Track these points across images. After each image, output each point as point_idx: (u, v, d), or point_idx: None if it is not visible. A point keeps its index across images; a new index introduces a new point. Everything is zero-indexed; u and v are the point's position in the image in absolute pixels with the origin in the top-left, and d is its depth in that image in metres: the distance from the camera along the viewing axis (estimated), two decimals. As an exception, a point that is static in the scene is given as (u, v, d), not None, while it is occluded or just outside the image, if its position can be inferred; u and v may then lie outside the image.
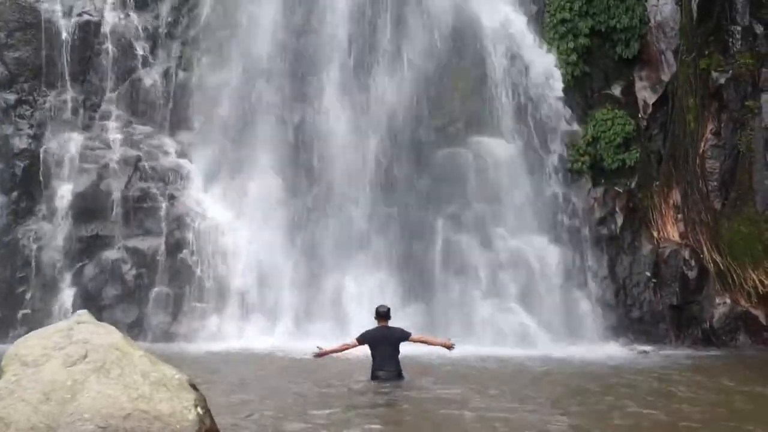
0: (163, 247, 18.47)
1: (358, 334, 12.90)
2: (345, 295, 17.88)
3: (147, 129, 19.43)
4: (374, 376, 12.45)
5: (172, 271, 18.34)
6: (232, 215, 18.80)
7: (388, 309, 12.86)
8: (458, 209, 18.52)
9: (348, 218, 18.56)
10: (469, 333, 16.80)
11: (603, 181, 19.06)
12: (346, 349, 12.73)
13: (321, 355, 12.66)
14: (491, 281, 17.98)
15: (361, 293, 17.67)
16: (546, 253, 18.32)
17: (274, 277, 18.32)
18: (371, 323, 13.02)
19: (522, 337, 17.17)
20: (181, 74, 19.74)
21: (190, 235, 18.56)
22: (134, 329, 17.01)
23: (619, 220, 18.80)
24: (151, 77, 19.67)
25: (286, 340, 17.23)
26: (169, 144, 19.42)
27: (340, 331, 16.69)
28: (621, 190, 19.00)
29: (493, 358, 15.19)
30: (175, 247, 18.47)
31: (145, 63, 19.78)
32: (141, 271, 18.31)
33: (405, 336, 12.51)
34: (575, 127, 19.22)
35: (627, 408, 11.07)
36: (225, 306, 18.13)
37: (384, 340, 12.45)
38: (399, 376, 12.39)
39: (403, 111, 19.04)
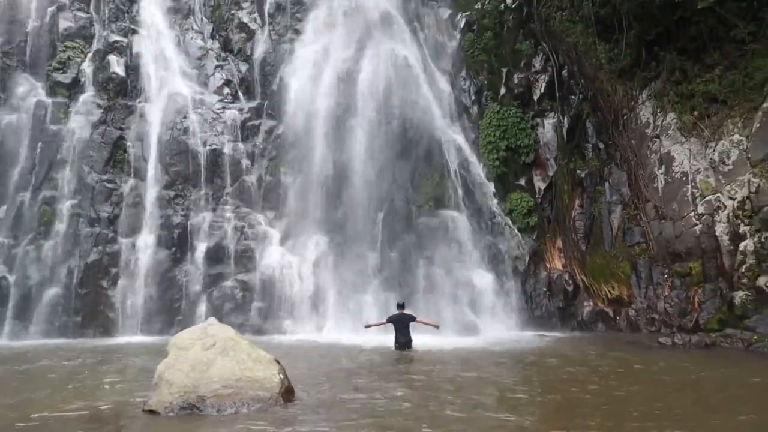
0: (258, 280, 18.12)
1: (386, 318, 13.83)
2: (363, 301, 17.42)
3: (248, 210, 19.20)
4: (396, 343, 13.37)
5: (263, 293, 17.98)
6: (298, 260, 18.35)
7: (403, 302, 14.14)
8: (433, 252, 18.02)
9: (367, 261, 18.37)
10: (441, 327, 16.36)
11: (517, 235, 18.83)
12: (382, 324, 13.73)
13: (368, 326, 13.76)
14: (453, 296, 17.74)
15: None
16: (485, 279, 18.14)
17: (323, 298, 17.79)
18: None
19: (472, 328, 17.00)
20: (268, 178, 19.58)
21: (273, 272, 18.29)
22: (240, 327, 16.13)
23: (527, 258, 18.44)
24: (251, 179, 19.51)
25: (331, 334, 16.80)
26: (260, 218, 19.09)
27: (362, 327, 16.22)
28: (527, 240, 18.70)
29: (456, 342, 14.84)
30: (266, 279, 18.12)
31: (248, 171, 19.61)
32: (245, 294, 17.97)
33: (413, 318, 13.66)
34: (500, 203, 19.15)
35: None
36: (294, 313, 17.95)
37: (401, 321, 13.55)
38: (410, 341, 13.29)
39: (399, 195, 19.03)
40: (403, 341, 13.26)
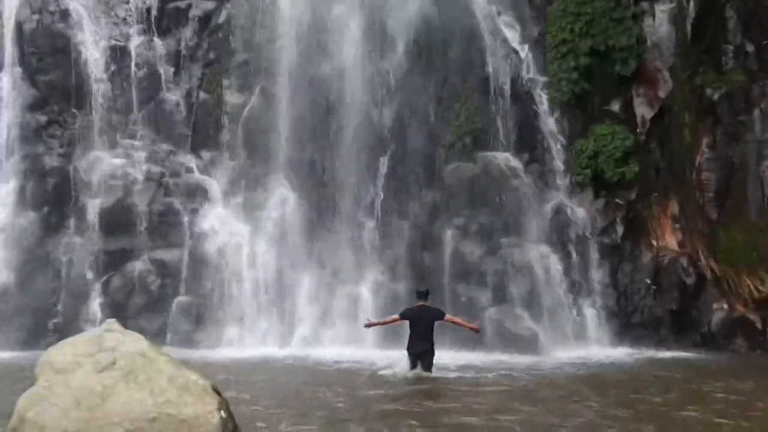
0: (186, 258, 18.49)
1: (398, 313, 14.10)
2: (357, 304, 17.94)
3: (170, 148, 19.55)
4: (409, 350, 13.53)
5: (194, 281, 18.36)
6: (250, 228, 18.80)
7: (427, 290, 14.15)
8: (467, 220, 18.53)
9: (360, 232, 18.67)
10: (477, 338, 16.58)
11: (604, 193, 19.00)
12: (391, 322, 14.12)
13: (369, 325, 14.22)
14: (498, 288, 17.90)
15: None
16: (550, 262, 18.28)
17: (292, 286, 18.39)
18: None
19: (529, 342, 17.09)
20: (202, 95, 19.87)
21: (211, 248, 18.54)
22: (159, 336, 16.92)
23: (620, 230, 18.74)
24: (174, 98, 19.81)
25: (303, 347, 17.32)
26: (192, 161, 19.53)
27: (353, 336, 16.98)
28: (621, 202, 18.90)
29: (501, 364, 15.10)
30: (198, 259, 18.46)
31: (169, 85, 19.90)
32: (165, 281, 18.36)
33: (440, 315, 13.68)
34: (577, 142, 19.18)
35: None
36: (245, 315, 18.17)
37: (421, 318, 13.54)
38: (431, 351, 13.47)
39: (415, 128, 19.21)
40: (420, 350, 13.49)
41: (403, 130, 19.20)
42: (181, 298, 18.21)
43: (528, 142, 19.31)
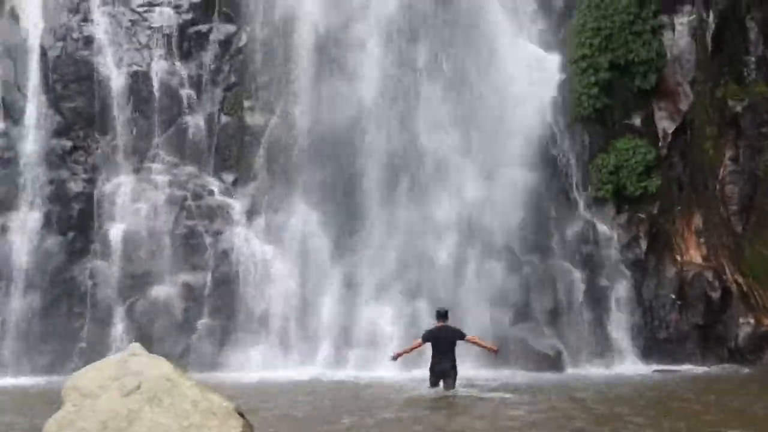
0: (209, 281, 18.45)
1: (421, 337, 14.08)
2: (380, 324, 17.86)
3: (192, 170, 19.53)
4: (432, 370, 13.71)
5: (218, 303, 18.32)
6: (273, 249, 18.77)
7: (446, 310, 14.16)
8: (489, 237, 18.44)
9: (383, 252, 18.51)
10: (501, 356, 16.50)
11: (626, 207, 18.98)
12: (415, 348, 14.11)
13: (396, 356, 14.22)
14: (522, 305, 17.85)
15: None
16: (573, 279, 18.25)
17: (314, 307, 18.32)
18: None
19: (553, 360, 17.07)
20: (223, 118, 19.87)
21: (234, 270, 18.53)
22: (183, 359, 16.88)
23: (644, 245, 18.69)
24: (196, 122, 19.80)
25: (326, 368, 17.26)
26: (214, 184, 19.51)
27: (375, 355, 16.94)
28: (644, 216, 18.87)
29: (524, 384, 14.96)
30: (221, 281, 18.45)
31: (191, 108, 19.87)
32: (189, 304, 18.29)
33: (460, 335, 13.76)
34: (598, 157, 19.14)
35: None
36: (268, 336, 18.11)
37: (442, 338, 13.67)
38: (453, 368, 13.61)
39: (435, 146, 19.05)
40: (442, 368, 13.64)
41: (424, 148, 19.09)
42: (205, 321, 18.18)
43: (549, 157, 19.18)
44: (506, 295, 17.94)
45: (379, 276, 18.29)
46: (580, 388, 14.52)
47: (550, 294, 18.04)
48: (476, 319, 17.33)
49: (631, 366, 17.31)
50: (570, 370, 16.84)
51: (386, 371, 16.22)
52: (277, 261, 18.66)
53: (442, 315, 14.12)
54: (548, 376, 15.85)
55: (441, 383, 13.66)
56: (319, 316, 18.20)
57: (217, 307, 18.28)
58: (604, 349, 17.70)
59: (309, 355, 17.83)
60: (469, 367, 15.49)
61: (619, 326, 18.03)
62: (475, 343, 14.16)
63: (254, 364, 17.59)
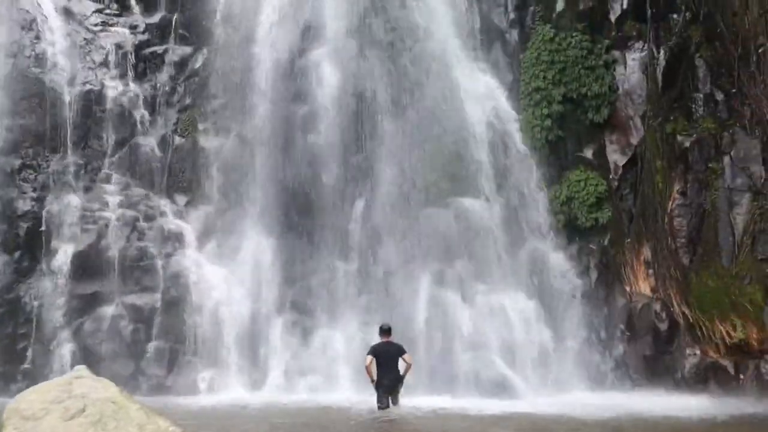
0: (159, 303, 18.35)
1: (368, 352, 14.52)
2: (334, 349, 17.87)
3: (144, 192, 19.52)
4: (380, 384, 14.22)
5: (167, 326, 18.21)
6: (226, 272, 18.75)
7: (390, 326, 14.85)
8: (443, 265, 18.44)
9: (335, 276, 18.60)
10: (451, 384, 16.82)
11: (578, 238, 19.06)
12: (371, 368, 14.34)
13: (372, 381, 14.42)
14: (475, 334, 17.80)
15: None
16: (526, 308, 18.25)
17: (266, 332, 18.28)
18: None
19: (505, 387, 16.99)
20: (177, 139, 19.89)
21: (185, 293, 18.44)
22: (130, 383, 16.80)
23: (594, 276, 18.78)
24: (149, 143, 19.84)
25: (277, 392, 17.17)
26: (166, 205, 19.46)
27: (329, 384, 17.03)
28: (594, 247, 18.99)
29: (477, 410, 14.98)
30: (171, 303, 18.35)
31: (145, 129, 19.91)
32: (138, 326, 18.17)
33: (402, 351, 14.41)
34: (551, 188, 19.28)
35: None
36: (218, 360, 18.01)
37: (387, 352, 14.33)
38: (399, 381, 14.34)
39: (392, 171, 19.18)
40: (389, 383, 14.23)
41: (380, 174, 19.20)
42: (154, 344, 18.09)
43: (504, 187, 19.29)
44: (455, 322, 17.89)
45: (332, 301, 18.33)
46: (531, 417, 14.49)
47: (502, 323, 17.95)
48: (428, 347, 17.45)
49: (582, 394, 17.27)
50: (521, 398, 16.70)
51: (339, 395, 16.35)
52: (229, 284, 18.61)
53: (385, 331, 14.76)
54: (499, 403, 15.76)
55: (389, 398, 14.07)
56: (271, 340, 18.16)
57: (167, 330, 18.21)
58: (556, 377, 17.66)
59: (260, 380, 17.78)
60: (418, 394, 15.57)
61: (569, 354, 18.03)
62: (406, 364, 14.47)
63: (204, 388, 17.60)
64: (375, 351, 14.49)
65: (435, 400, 15.59)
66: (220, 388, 17.52)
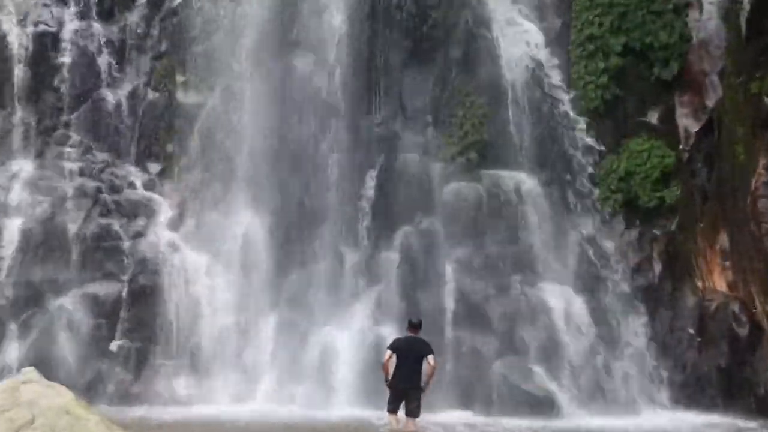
0: (125, 294, 18.34)
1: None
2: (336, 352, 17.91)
3: (107, 155, 19.47)
4: (394, 387, 13.88)
5: (135, 322, 18.22)
6: (207, 258, 18.72)
7: (420, 320, 14.45)
8: (471, 252, 18.64)
9: (341, 263, 18.64)
10: (483, 397, 17.01)
11: (638, 222, 19.24)
12: (389, 363, 14.01)
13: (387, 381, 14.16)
14: (508, 338, 17.97)
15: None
16: (571, 304, 18.40)
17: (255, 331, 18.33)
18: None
19: (544, 404, 17.11)
20: (150, 94, 19.85)
21: (157, 281, 18.46)
22: (90, 390, 16.96)
23: (658, 268, 18.98)
24: (116, 97, 19.77)
25: (268, 405, 17.27)
26: (136, 174, 19.46)
27: (327, 393, 17.09)
28: (659, 233, 19.16)
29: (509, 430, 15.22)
30: (140, 294, 18.34)
31: (111, 81, 19.88)
32: (99, 322, 18.15)
33: (428, 350, 13.86)
34: (606, 159, 19.41)
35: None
36: (197, 364, 18.06)
37: (410, 350, 13.96)
38: (419, 389, 13.84)
39: (407, 140, 19.39)
40: (406, 386, 13.95)
41: (395, 142, 19.37)
42: (119, 343, 18.11)
43: (547, 158, 19.46)
44: (489, 323, 18.06)
45: (336, 295, 18.38)
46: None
47: (544, 323, 18.10)
48: (451, 347, 17.58)
49: (640, 415, 17.39)
50: (565, 417, 16.89)
51: (339, 410, 16.48)
52: (212, 273, 18.68)
53: (414, 325, 14.41)
54: (538, 424, 15.98)
55: (402, 409, 13.87)
56: (262, 341, 18.25)
57: (135, 327, 18.26)
58: (608, 392, 17.71)
59: (247, 389, 17.87)
60: (441, 408, 15.79)
61: (627, 365, 18.16)
62: (429, 368, 14.16)
63: (179, 398, 17.67)
64: (396, 345, 14.27)
65: (459, 415, 15.87)
66: (199, 399, 17.62)
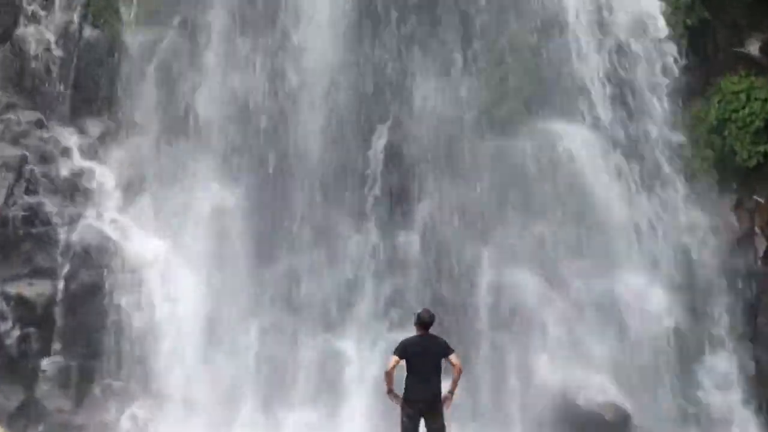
0: (61, 296, 17.91)
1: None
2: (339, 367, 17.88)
3: (34, 114, 18.96)
4: (410, 401, 13.88)
5: (74, 332, 17.86)
6: (167, 245, 18.39)
7: (432, 315, 14.48)
8: (516, 230, 18.32)
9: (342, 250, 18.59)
10: (530, 418, 16.86)
11: (735, 185, 18.95)
12: (393, 371, 14.15)
13: (391, 391, 14.21)
14: (564, 340, 17.73)
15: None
16: (648, 299, 18.04)
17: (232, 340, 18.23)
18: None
19: (612, 424, 17.01)
20: (87, 31, 19.39)
21: (102, 278, 18.09)
22: (18, 420, 16.99)
23: (762, 246, 18.60)
24: (41, 35, 19.44)
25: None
26: (71, 138, 18.99)
27: (328, 421, 16.95)
28: (762, 200, 18.83)
29: None
30: (80, 295, 17.98)
31: (34, 17, 19.51)
32: (27, 332, 17.75)
33: (447, 350, 14.07)
34: (692, 104, 19.11)
35: None
36: (156, 385, 17.76)
37: (424, 354, 14.04)
38: (439, 398, 13.99)
39: (429, 85, 19.15)
40: (425, 396, 14.02)
41: (410, 89, 19.02)
42: (55, 360, 17.75)
43: (614, 106, 19.09)
44: (538, 323, 17.89)
45: (338, 291, 18.16)
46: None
47: (612, 321, 17.85)
48: (489, 357, 17.48)
49: None
50: None
51: None
52: (172, 264, 18.44)
53: (424, 322, 14.41)
54: None
55: (422, 422, 13.97)
56: (240, 354, 18.00)
57: (74, 338, 17.94)
58: (699, 410, 17.62)
59: (222, 417, 17.63)
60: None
61: (721, 376, 17.91)
62: (454, 370, 14.38)
63: (133, 429, 17.46)
64: (404, 349, 14.22)
65: None
66: (163, 429, 17.46)
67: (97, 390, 17.71)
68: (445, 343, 14.43)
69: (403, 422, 14.11)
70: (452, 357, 14.21)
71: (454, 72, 19.37)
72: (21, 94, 19.32)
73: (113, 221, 18.73)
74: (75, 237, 18.43)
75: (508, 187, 18.72)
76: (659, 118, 19.37)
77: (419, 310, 14.82)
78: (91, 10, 19.66)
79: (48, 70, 19.60)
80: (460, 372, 14.24)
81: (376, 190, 18.86)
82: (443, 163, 18.93)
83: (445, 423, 14.13)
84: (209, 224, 18.78)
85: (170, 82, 19.48)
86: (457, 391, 14.25)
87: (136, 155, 19.31)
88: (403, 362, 14.26)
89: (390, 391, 14.18)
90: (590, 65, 19.23)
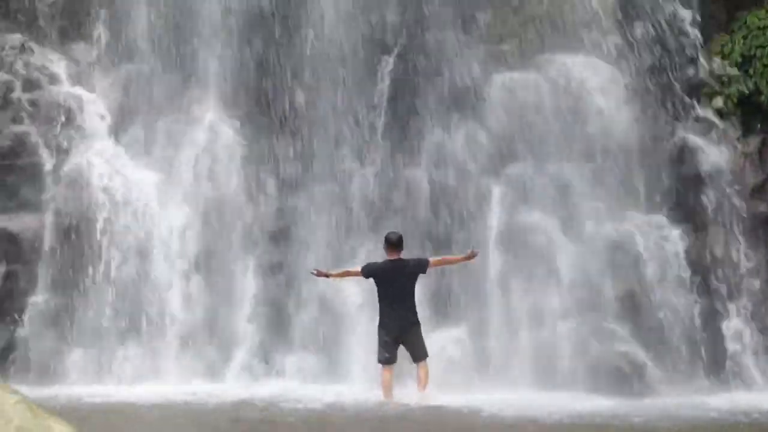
0: (48, 230, 17.72)
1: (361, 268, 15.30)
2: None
3: (19, 38, 18.72)
4: (385, 328, 14.53)
5: (62, 270, 17.66)
6: (161, 179, 18.16)
7: (400, 236, 15.24)
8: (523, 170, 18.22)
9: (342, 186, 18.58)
10: (544, 368, 16.60)
11: (760, 126, 18.64)
12: (347, 275, 15.39)
13: (320, 274, 15.36)
14: (578, 283, 17.43)
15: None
16: (666, 242, 17.81)
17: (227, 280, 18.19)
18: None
19: (630, 378, 16.63)
20: None
21: (93, 211, 17.88)
22: (3, 363, 16.91)
23: None
24: None
25: (245, 382, 16.93)
26: (59, 63, 18.77)
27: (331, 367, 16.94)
28: None
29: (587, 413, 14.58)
30: (68, 229, 17.74)
31: None
32: (13, 269, 17.63)
33: (422, 266, 14.85)
34: (714, 40, 19.00)
35: None
36: (147, 326, 17.56)
37: (395, 277, 14.68)
38: (417, 323, 14.68)
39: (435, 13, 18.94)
40: (401, 324, 14.60)
41: (418, 14, 18.72)
42: (40, 299, 17.54)
43: (632, 38, 18.77)
44: (553, 270, 17.54)
45: (337, 231, 18.00)
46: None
47: (627, 265, 17.51)
48: (499, 307, 17.11)
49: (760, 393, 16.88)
50: (658, 395, 16.41)
51: (347, 386, 16.17)
52: (166, 196, 18.14)
53: (393, 244, 15.04)
54: (624, 405, 15.29)
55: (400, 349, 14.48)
56: (236, 297, 17.79)
57: (61, 277, 17.65)
58: (716, 362, 17.25)
59: (218, 361, 17.41)
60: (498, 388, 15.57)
61: (743, 326, 17.58)
62: (445, 262, 15.36)
63: (122, 373, 17.27)
64: (369, 270, 15.00)
65: (507, 397, 15.24)
66: (152, 374, 17.13)
67: (83, 332, 17.39)
68: (417, 261, 15.02)
69: (380, 349, 14.48)
70: (432, 261, 15.01)
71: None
72: (6, 18, 18.91)
73: (103, 151, 18.34)
74: (62, 168, 18.12)
75: (513, 122, 18.35)
76: (679, 54, 18.94)
77: (388, 233, 15.38)
78: None
79: (34, -12, 19.60)
80: (445, 258, 15.29)
81: (381, 123, 18.46)
82: (454, 97, 18.44)
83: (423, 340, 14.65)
84: (204, 159, 18.44)
85: (162, 7, 18.85)
86: (459, 257, 15.38)
87: (127, 82, 18.94)
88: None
89: (321, 274, 15.18)
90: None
